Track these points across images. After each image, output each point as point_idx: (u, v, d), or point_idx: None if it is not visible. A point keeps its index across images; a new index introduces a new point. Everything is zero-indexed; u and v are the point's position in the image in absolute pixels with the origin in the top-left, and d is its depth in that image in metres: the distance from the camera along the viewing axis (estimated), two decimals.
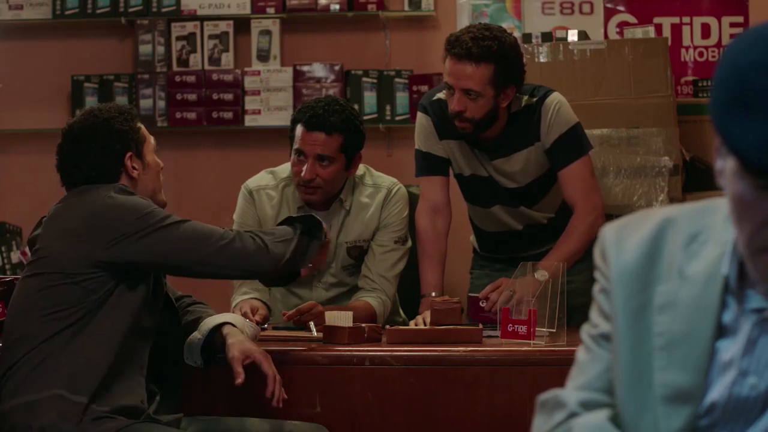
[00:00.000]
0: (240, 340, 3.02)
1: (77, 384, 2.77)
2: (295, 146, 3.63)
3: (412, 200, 3.93)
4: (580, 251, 3.59)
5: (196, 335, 3.07)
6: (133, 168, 3.02)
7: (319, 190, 3.65)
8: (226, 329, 3.05)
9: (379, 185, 3.79)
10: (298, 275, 3.23)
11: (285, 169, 3.79)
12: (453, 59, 3.53)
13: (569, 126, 3.64)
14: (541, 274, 3.35)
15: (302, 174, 3.61)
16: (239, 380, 2.96)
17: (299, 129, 3.62)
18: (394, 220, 3.76)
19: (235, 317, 3.17)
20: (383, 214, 3.76)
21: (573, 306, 3.26)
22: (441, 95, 3.70)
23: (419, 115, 3.79)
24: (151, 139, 3.11)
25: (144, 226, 2.86)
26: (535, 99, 3.64)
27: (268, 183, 3.79)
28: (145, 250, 2.86)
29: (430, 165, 3.75)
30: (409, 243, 3.81)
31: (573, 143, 3.65)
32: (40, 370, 2.80)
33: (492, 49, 3.49)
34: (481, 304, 3.45)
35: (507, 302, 3.31)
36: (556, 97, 3.65)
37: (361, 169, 3.80)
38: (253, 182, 3.81)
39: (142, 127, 3.10)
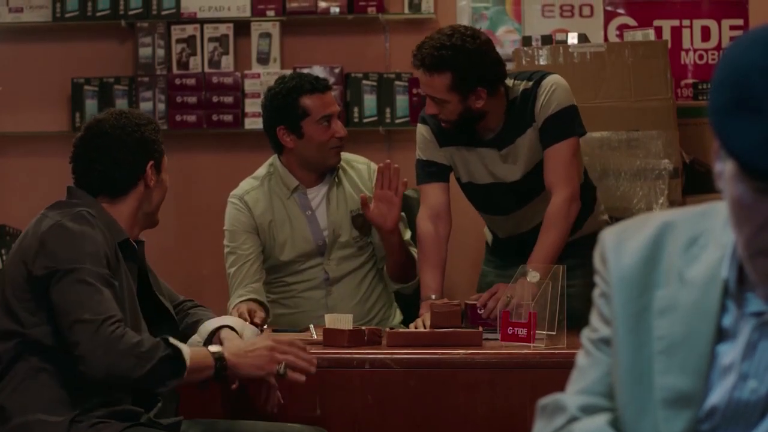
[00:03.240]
0: (235, 345, 3.02)
1: (54, 406, 2.75)
2: (318, 115, 3.82)
3: (413, 205, 3.97)
4: (564, 239, 3.58)
5: (196, 338, 3.07)
6: (152, 178, 3.03)
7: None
8: (223, 333, 3.05)
9: (354, 160, 4.02)
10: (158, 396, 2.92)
11: (261, 169, 3.97)
12: (414, 67, 3.60)
13: (562, 106, 3.62)
14: (533, 276, 3.36)
15: (336, 134, 3.84)
16: (234, 386, 2.96)
17: (310, 99, 3.82)
18: None
19: (235, 320, 3.17)
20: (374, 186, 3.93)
21: (572, 311, 3.26)
22: None
23: (419, 126, 3.82)
24: (166, 157, 3.11)
25: (73, 272, 2.75)
26: (532, 82, 3.65)
27: (253, 186, 3.93)
28: (59, 294, 2.75)
29: (432, 173, 3.77)
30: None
31: (563, 123, 3.62)
32: (21, 392, 2.78)
33: (445, 59, 3.49)
34: (479, 311, 3.44)
35: (505, 307, 3.31)
36: (553, 79, 3.64)
37: None
38: (239, 191, 3.95)
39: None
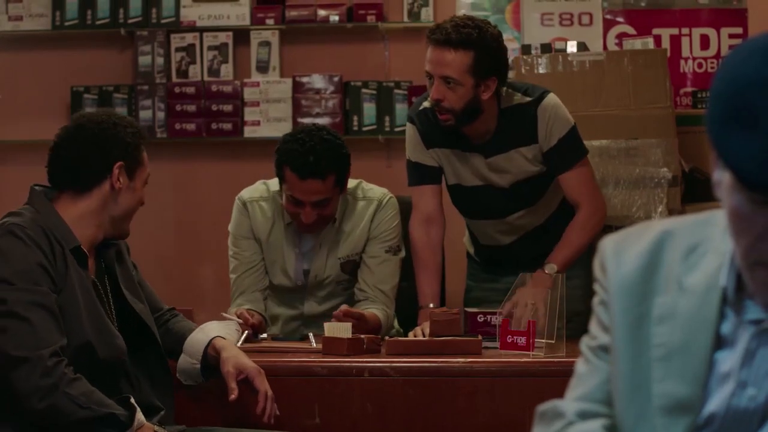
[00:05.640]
0: (234, 355, 3.01)
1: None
2: (288, 192, 3.57)
3: (409, 210, 3.91)
4: (586, 246, 3.60)
5: (188, 361, 3.06)
6: (119, 180, 2.87)
7: (322, 224, 3.66)
8: (219, 343, 3.03)
9: (370, 198, 3.76)
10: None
11: (277, 181, 3.70)
12: (433, 46, 3.53)
13: (567, 129, 3.63)
14: (551, 267, 3.36)
15: (302, 218, 3.58)
16: (232, 396, 2.95)
17: (290, 175, 3.53)
18: (384, 229, 3.74)
19: (216, 326, 3.14)
20: (373, 224, 3.73)
21: (568, 312, 3.26)
22: (426, 104, 3.70)
23: (407, 125, 3.80)
24: (147, 170, 2.97)
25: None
26: (529, 98, 3.63)
27: (262, 194, 3.76)
28: None
29: (420, 175, 3.75)
30: (403, 253, 3.79)
31: (572, 146, 3.65)
32: None
33: (471, 37, 3.49)
34: (479, 319, 3.44)
35: (530, 315, 3.29)
36: (552, 99, 3.64)
37: (353, 182, 3.77)
38: (246, 193, 3.79)
39: (145, 153, 2.95)
